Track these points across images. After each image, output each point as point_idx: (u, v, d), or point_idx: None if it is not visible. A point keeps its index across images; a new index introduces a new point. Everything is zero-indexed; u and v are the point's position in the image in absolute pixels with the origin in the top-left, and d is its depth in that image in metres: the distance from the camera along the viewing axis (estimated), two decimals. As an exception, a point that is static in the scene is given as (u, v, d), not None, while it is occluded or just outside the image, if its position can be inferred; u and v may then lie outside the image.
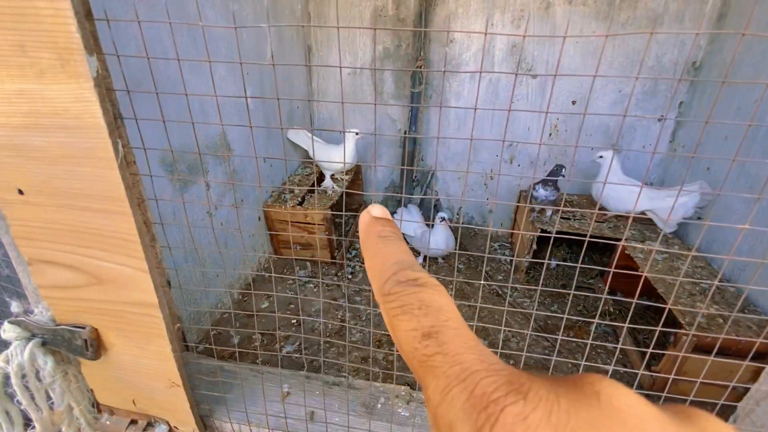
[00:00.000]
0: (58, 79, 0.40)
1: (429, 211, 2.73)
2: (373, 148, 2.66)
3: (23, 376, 0.55)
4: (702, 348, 1.37)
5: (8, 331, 0.54)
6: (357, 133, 2.14)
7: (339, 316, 1.91)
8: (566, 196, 2.35)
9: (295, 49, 2.41)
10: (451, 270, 2.31)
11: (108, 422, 0.67)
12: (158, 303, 0.51)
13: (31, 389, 0.56)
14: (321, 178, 2.46)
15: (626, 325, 0.53)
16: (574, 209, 0.45)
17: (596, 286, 2.12)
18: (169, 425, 0.66)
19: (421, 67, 2.31)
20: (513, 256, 2.46)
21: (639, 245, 1.74)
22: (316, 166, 2.46)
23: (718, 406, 0.54)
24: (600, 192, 2.04)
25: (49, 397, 0.58)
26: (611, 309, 1.92)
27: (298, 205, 2.17)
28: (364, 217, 0.23)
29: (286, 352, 1.68)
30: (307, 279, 2.21)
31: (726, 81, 0.36)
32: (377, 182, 2.82)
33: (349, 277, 2.24)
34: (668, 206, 1.86)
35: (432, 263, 2.36)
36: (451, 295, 0.19)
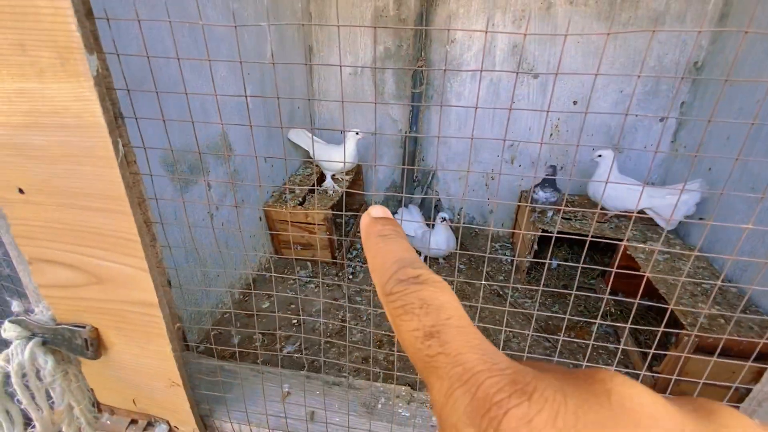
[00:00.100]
0: (58, 78, 0.39)
1: (430, 211, 2.73)
2: (373, 148, 2.66)
3: (23, 376, 0.55)
4: (703, 348, 1.37)
5: (9, 330, 0.54)
6: (358, 133, 2.14)
7: (340, 317, 1.91)
8: (567, 197, 2.35)
9: (296, 50, 2.41)
10: (451, 270, 2.31)
11: (108, 422, 0.67)
12: (158, 302, 0.51)
13: (32, 388, 0.56)
14: (322, 178, 2.46)
15: (628, 326, 0.53)
16: (575, 209, 0.45)
17: (597, 286, 2.11)
18: (169, 425, 0.66)
19: (422, 67, 2.31)
20: (514, 256, 2.46)
21: (641, 245, 1.74)
22: (317, 166, 2.46)
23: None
24: (596, 191, 2.04)
25: (49, 397, 0.58)
26: (612, 309, 1.92)
27: (298, 205, 2.17)
28: (364, 219, 0.23)
29: (287, 352, 1.68)
30: (308, 279, 2.21)
31: (729, 79, 0.36)
32: (378, 182, 2.82)
33: (350, 277, 2.24)
34: (667, 204, 1.86)
35: (433, 263, 2.36)
36: None
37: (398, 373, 1.26)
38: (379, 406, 0.74)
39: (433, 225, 2.21)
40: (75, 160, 0.44)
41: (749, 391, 0.61)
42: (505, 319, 0.69)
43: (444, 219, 2.11)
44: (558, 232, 2.00)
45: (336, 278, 2.21)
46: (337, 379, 0.79)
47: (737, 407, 0.61)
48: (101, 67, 0.40)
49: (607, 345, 0.64)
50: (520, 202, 2.48)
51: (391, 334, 1.69)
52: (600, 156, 1.98)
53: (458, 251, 0.52)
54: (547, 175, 2.08)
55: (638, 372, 0.62)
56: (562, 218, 2.11)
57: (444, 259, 2.38)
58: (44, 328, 0.55)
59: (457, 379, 0.14)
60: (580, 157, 2.33)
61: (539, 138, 2.38)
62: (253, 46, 1.93)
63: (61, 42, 0.38)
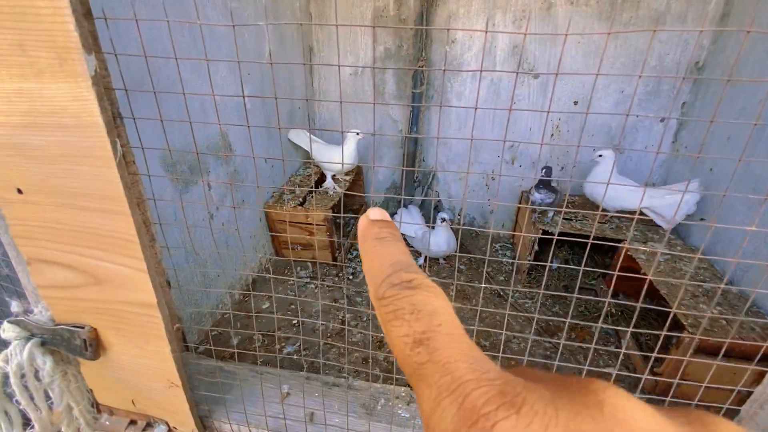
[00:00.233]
0: (57, 78, 0.39)
1: (430, 212, 2.73)
2: (373, 149, 2.66)
3: (22, 376, 0.55)
4: (705, 350, 1.36)
5: (7, 331, 0.54)
6: (358, 134, 2.14)
7: (339, 318, 1.90)
8: (568, 197, 2.35)
9: (296, 50, 2.41)
10: (452, 271, 2.30)
11: (107, 422, 0.67)
12: (157, 303, 0.51)
13: (30, 389, 0.55)
14: (322, 178, 2.46)
15: (630, 329, 0.52)
16: (575, 210, 0.45)
17: (598, 287, 2.11)
18: (168, 426, 0.66)
19: (422, 67, 2.31)
20: (514, 257, 2.45)
21: (642, 247, 1.74)
22: (317, 166, 2.46)
23: (723, 410, 0.53)
24: (592, 190, 2.04)
25: (48, 397, 0.58)
26: (613, 310, 1.91)
27: (299, 205, 2.17)
28: (361, 222, 0.22)
29: (286, 353, 1.67)
30: (308, 280, 2.21)
31: (731, 79, 0.35)
32: (378, 183, 2.82)
33: (350, 278, 2.24)
34: (666, 204, 1.85)
35: (433, 264, 2.35)
36: (451, 296, 0.18)
37: (398, 375, 1.25)
38: (379, 407, 0.74)
39: (434, 226, 2.21)
40: (73, 160, 0.43)
41: (750, 393, 0.61)
42: (505, 321, 0.69)
43: (444, 219, 2.11)
44: (559, 233, 2.00)
45: (336, 279, 2.21)
46: (337, 380, 0.79)
47: (738, 410, 0.61)
48: (100, 67, 0.40)
49: (608, 348, 0.64)
50: (520, 202, 2.47)
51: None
52: (600, 156, 1.97)
53: (458, 252, 0.52)
54: (542, 176, 2.08)
55: (639, 375, 0.62)
56: (563, 219, 2.10)
57: (444, 259, 2.38)
58: (43, 328, 0.54)
59: (446, 388, 0.14)
60: (580, 158, 2.32)
61: (540, 138, 2.37)
62: (252, 46, 1.93)
63: (60, 42, 0.38)
